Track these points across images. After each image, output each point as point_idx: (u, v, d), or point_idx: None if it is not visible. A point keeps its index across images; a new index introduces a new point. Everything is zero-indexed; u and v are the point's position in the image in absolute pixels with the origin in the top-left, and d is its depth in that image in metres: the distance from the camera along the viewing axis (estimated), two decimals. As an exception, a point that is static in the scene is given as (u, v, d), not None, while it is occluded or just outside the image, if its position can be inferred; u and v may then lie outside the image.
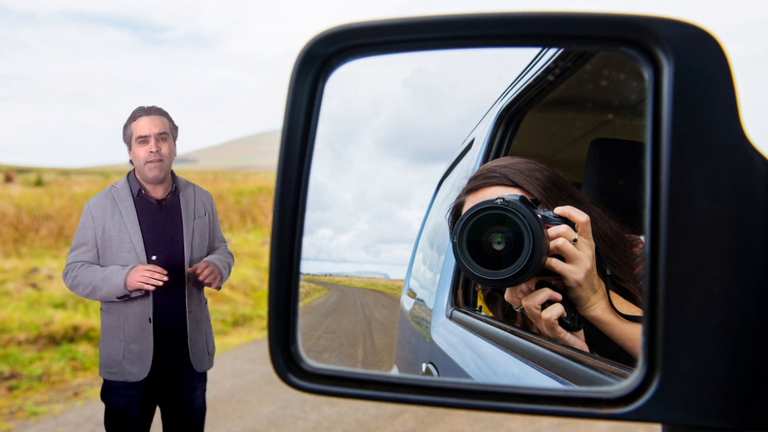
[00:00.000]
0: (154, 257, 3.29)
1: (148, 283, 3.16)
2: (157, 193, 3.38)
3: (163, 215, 3.38)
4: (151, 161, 3.27)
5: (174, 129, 3.42)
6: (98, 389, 6.20)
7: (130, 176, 3.42)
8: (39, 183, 24.55)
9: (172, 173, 3.44)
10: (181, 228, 3.38)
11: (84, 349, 7.27)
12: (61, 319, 7.72)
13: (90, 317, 7.97)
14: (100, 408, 5.25)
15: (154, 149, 3.27)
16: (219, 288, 3.46)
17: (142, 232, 3.30)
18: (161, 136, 3.30)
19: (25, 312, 7.99)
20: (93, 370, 6.81)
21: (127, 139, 3.35)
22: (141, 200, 3.36)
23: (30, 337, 7.32)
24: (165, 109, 3.43)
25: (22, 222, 13.79)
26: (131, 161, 3.39)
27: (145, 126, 3.29)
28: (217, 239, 3.58)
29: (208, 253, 3.50)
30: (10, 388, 6.23)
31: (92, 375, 6.72)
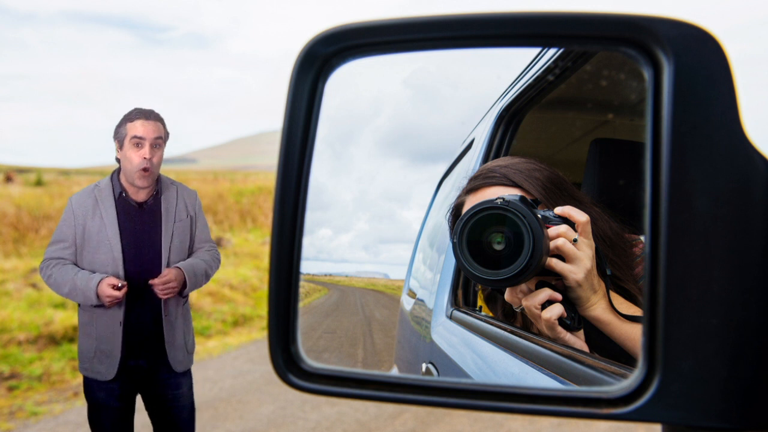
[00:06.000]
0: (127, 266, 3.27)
1: (115, 299, 3.19)
2: (139, 196, 3.36)
3: (143, 218, 3.35)
4: (142, 169, 3.25)
5: (166, 136, 3.41)
6: (98, 389, 6.21)
7: (114, 176, 3.39)
8: (39, 183, 24.55)
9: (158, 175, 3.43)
10: (160, 232, 3.34)
11: (84, 349, 7.27)
12: (61, 319, 7.72)
13: (90, 317, 7.97)
14: (100, 408, 5.20)
15: (148, 155, 3.25)
16: (184, 297, 3.41)
17: (120, 234, 3.28)
18: (156, 142, 3.29)
19: (25, 312, 7.99)
20: (93, 370, 6.82)
21: (120, 137, 3.31)
22: (122, 202, 3.34)
23: (30, 337, 7.31)
24: (164, 110, 3.43)
25: (22, 222, 13.79)
26: (118, 159, 3.36)
27: (143, 129, 3.27)
28: (199, 240, 3.51)
29: (189, 256, 3.46)
30: (10, 388, 6.23)
31: (92, 375, 6.72)
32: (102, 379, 3.28)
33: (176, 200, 3.42)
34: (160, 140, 3.32)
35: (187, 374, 3.49)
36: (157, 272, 3.30)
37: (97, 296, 3.18)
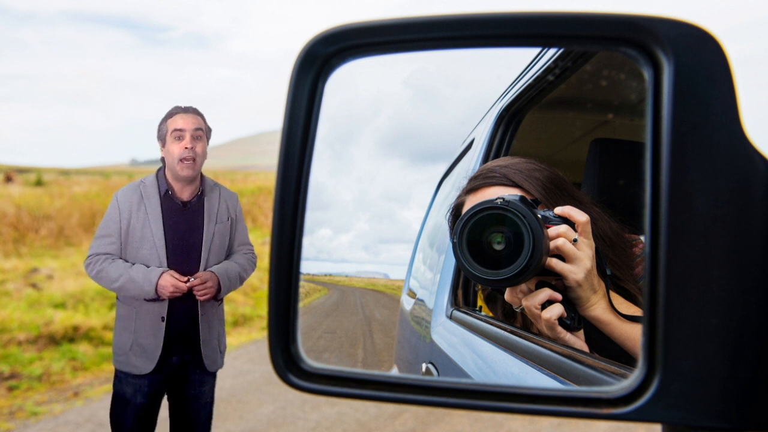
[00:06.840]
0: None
1: (177, 291, 3.24)
2: (184, 194, 3.40)
3: (187, 217, 3.40)
4: (184, 159, 3.30)
5: (208, 130, 3.46)
6: (98, 389, 6.21)
7: (159, 174, 3.43)
8: (39, 183, 24.57)
9: (201, 174, 3.45)
10: (201, 231, 3.39)
11: (84, 349, 7.27)
12: (61, 319, 7.72)
13: (90, 317, 7.98)
14: (100, 408, 5.24)
15: (189, 145, 3.31)
16: (218, 300, 3.46)
17: (164, 231, 3.33)
18: (197, 133, 3.35)
19: (25, 312, 7.99)
20: (93, 370, 6.81)
21: (162, 135, 3.38)
22: (167, 200, 3.38)
23: (30, 337, 7.31)
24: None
25: (22, 222, 13.79)
26: (162, 159, 3.41)
27: (182, 122, 3.33)
28: (238, 242, 3.58)
29: (227, 257, 3.51)
30: (10, 388, 6.23)
31: (92, 375, 6.72)
32: (138, 373, 3.32)
33: (218, 202, 3.47)
34: (200, 132, 3.37)
35: (214, 374, 3.53)
36: (195, 270, 3.35)
37: (156, 289, 3.21)
